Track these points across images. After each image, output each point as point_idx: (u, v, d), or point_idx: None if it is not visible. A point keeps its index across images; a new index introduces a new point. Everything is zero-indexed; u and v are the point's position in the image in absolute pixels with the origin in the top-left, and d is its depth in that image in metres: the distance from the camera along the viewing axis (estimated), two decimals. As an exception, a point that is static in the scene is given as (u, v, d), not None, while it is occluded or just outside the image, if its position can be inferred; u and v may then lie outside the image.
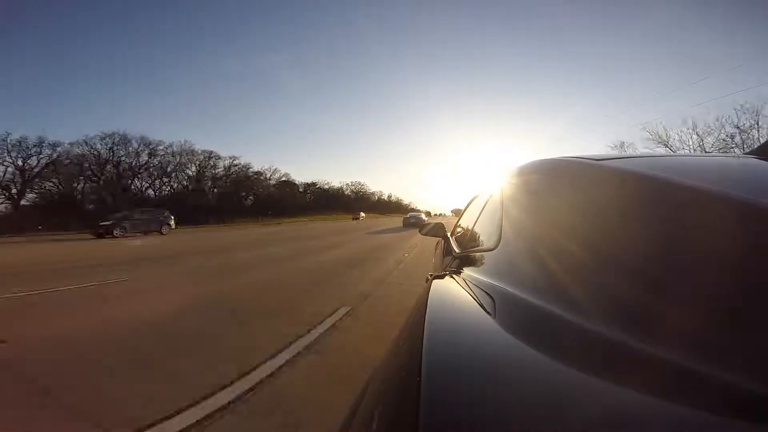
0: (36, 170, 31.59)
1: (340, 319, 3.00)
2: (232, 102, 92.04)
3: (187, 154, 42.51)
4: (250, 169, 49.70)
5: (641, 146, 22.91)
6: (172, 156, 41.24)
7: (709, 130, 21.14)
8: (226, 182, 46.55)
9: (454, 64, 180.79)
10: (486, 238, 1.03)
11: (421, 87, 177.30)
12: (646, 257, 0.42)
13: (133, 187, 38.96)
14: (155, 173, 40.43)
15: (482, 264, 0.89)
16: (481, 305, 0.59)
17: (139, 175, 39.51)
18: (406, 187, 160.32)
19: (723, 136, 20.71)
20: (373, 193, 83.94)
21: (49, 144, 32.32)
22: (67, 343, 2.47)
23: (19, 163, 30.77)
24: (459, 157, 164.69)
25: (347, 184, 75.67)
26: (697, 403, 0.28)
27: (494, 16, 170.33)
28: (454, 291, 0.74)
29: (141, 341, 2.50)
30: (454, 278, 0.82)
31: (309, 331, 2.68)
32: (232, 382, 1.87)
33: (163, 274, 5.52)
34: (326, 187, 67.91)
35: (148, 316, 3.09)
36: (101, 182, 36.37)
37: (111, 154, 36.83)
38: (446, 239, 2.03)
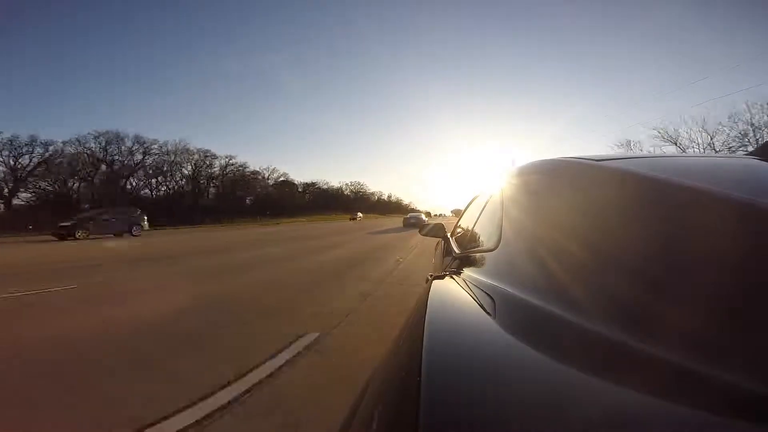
0: (28, 169, 31.44)
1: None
2: (232, 102, 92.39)
3: (182, 152, 42.38)
4: (247, 169, 49.66)
5: (648, 145, 22.43)
6: (167, 155, 41.13)
7: (721, 127, 20.23)
8: (222, 182, 46.41)
9: (454, 64, 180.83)
10: (486, 238, 1.03)
11: (421, 87, 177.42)
12: (646, 257, 0.42)
13: (129, 186, 38.88)
14: (151, 172, 40.31)
15: (482, 264, 0.89)
16: (481, 305, 0.59)
17: (135, 174, 39.41)
18: (406, 188, 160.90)
19: (735, 133, 19.58)
20: (372, 194, 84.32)
21: (41, 143, 32.25)
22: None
23: (11, 162, 30.63)
24: (459, 157, 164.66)
25: (347, 184, 76.02)
26: (697, 403, 0.28)
27: (494, 16, 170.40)
28: (454, 291, 0.74)
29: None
30: (454, 278, 0.82)
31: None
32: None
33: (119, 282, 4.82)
34: (325, 187, 68.20)
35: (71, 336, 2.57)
36: (95, 181, 36.23)
37: (104, 152, 36.76)
38: (446, 240, 2.03)
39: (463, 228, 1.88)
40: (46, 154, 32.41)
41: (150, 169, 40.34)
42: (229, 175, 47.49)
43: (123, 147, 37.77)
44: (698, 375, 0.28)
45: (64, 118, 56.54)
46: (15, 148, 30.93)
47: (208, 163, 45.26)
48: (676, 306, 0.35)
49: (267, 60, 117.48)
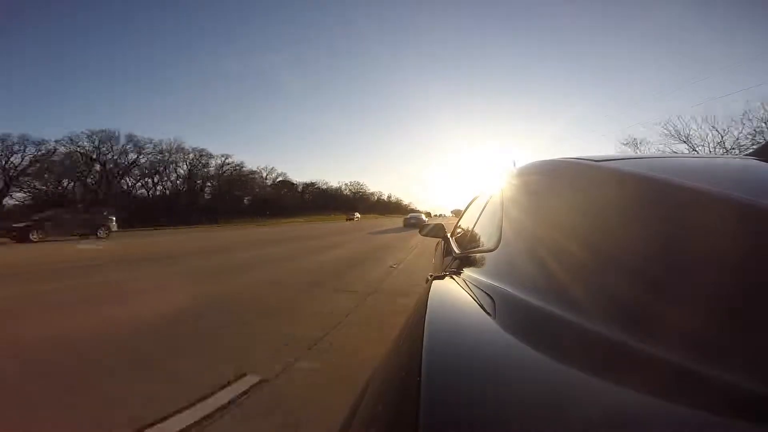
0: (20, 168, 31.11)
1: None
2: (232, 102, 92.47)
3: (176, 151, 41.87)
4: (244, 168, 49.23)
5: (657, 143, 21.99)
6: (161, 153, 40.69)
7: (734, 124, 19.10)
8: (218, 181, 46.06)
9: (454, 64, 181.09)
10: (486, 238, 1.03)
11: (421, 87, 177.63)
12: (646, 258, 0.42)
13: (125, 186, 38.62)
14: (145, 171, 39.93)
15: (482, 264, 0.89)
16: (481, 305, 0.59)
17: (130, 174, 39.01)
18: (406, 188, 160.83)
19: (748, 131, 18.35)
20: (372, 194, 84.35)
21: (33, 142, 31.82)
22: None
23: (2, 162, 30.28)
24: (459, 157, 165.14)
25: (346, 184, 75.99)
26: (697, 403, 0.28)
27: (494, 16, 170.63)
28: (454, 291, 0.74)
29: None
30: (454, 279, 0.82)
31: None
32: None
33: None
34: (325, 187, 68.12)
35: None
36: (89, 180, 35.99)
37: (98, 152, 36.34)
38: (446, 240, 2.03)
39: (463, 228, 1.88)
40: (38, 153, 32.08)
41: (145, 168, 40.04)
42: (225, 174, 47.08)
43: (116, 146, 37.41)
44: (698, 375, 0.28)
45: (62, 118, 56.67)
46: (6, 147, 30.61)
47: (203, 162, 44.82)
48: (676, 306, 0.35)
49: (267, 60, 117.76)
